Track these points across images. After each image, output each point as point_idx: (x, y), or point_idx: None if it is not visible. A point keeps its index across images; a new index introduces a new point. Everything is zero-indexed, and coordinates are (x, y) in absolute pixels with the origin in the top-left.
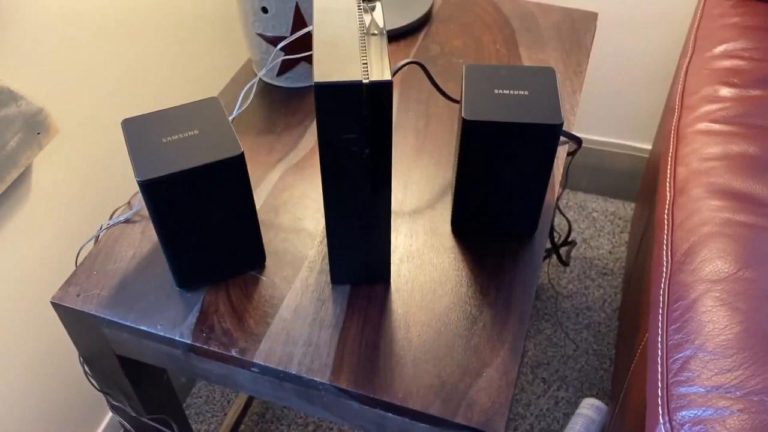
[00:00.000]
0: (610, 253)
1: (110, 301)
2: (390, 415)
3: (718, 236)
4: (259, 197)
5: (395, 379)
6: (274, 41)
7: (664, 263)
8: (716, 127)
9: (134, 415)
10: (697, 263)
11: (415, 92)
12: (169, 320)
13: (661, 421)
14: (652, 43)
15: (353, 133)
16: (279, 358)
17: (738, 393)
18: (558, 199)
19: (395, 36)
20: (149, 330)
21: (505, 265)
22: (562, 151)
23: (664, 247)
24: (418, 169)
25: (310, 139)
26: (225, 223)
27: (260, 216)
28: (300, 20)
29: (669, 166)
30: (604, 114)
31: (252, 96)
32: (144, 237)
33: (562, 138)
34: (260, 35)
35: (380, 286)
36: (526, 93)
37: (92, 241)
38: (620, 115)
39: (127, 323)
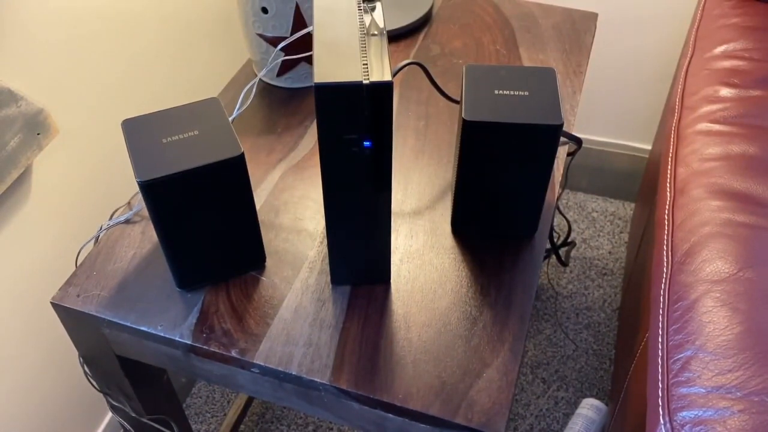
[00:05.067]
0: (610, 253)
1: (110, 302)
2: (390, 415)
3: (719, 236)
4: (260, 197)
5: (395, 379)
6: (274, 42)
7: (665, 263)
8: (716, 127)
9: (134, 415)
10: (698, 263)
11: (415, 93)
12: (169, 321)
13: (662, 421)
14: (652, 43)
15: (353, 134)
16: (279, 359)
17: (739, 393)
18: (558, 199)
19: (395, 36)
20: (149, 330)
21: (505, 265)
22: (562, 152)
23: (665, 248)
24: (418, 170)
25: (310, 139)
26: (225, 224)
27: (260, 216)
28: (300, 20)
29: (669, 167)
30: (604, 114)
31: (252, 96)
32: (144, 237)
33: (562, 138)
34: (260, 36)
35: (380, 286)
36: (526, 93)
37: (92, 242)
38: (620, 115)
39: (128, 324)
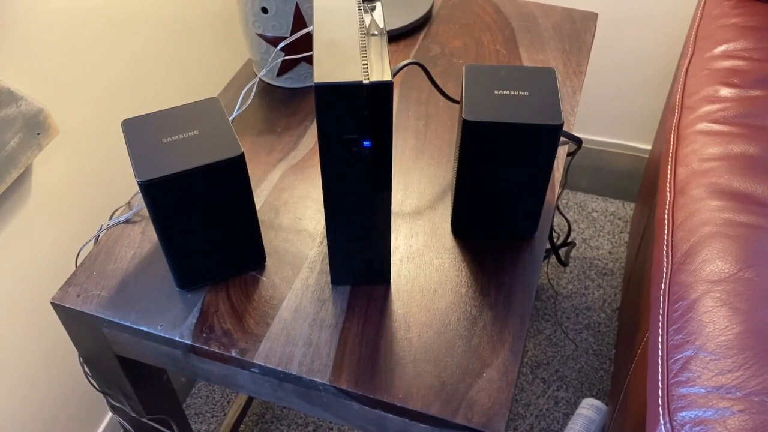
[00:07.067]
0: (610, 253)
1: (110, 302)
2: (390, 415)
3: (719, 236)
4: (260, 197)
5: (395, 379)
6: (274, 42)
7: (665, 263)
8: (716, 127)
9: (134, 415)
10: (698, 263)
11: (415, 93)
12: (169, 321)
13: (662, 421)
14: (652, 43)
15: (353, 134)
16: (279, 359)
17: (739, 393)
18: (558, 199)
19: (395, 36)
20: (149, 330)
21: (505, 265)
22: (562, 152)
23: (665, 248)
24: (418, 170)
25: (310, 139)
26: (225, 224)
27: (260, 216)
28: (300, 20)
29: (669, 167)
30: (604, 114)
31: (252, 96)
32: (144, 237)
33: (562, 138)
34: (260, 36)
35: (380, 286)
36: (526, 93)
37: (92, 242)
38: (620, 115)
39: (127, 324)
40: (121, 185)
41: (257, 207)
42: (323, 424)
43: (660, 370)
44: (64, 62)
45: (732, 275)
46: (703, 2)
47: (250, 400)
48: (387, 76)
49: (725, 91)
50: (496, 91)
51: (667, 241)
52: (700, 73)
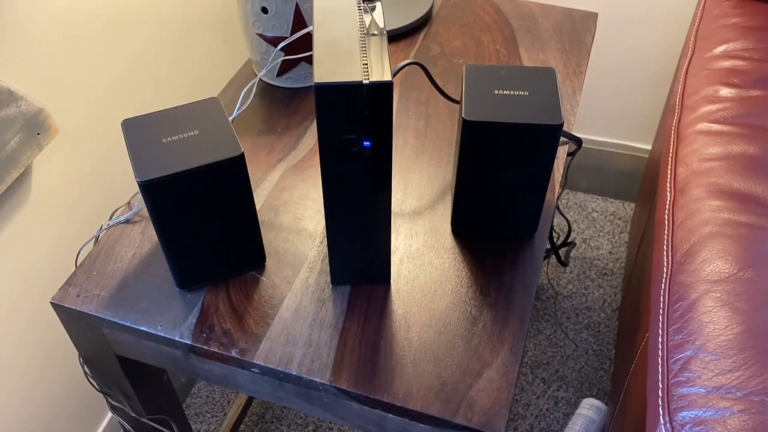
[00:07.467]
0: (610, 253)
1: (110, 302)
2: (390, 415)
3: (719, 236)
4: (260, 197)
5: (395, 379)
6: (274, 42)
7: (665, 263)
8: (716, 127)
9: (134, 415)
10: (698, 263)
11: (415, 93)
12: (169, 321)
13: (662, 421)
14: (652, 43)
15: (353, 134)
16: (279, 359)
17: (739, 393)
18: (558, 199)
19: (395, 36)
20: (149, 330)
21: (505, 265)
22: (562, 152)
23: (665, 248)
24: (418, 170)
25: (310, 139)
26: (225, 224)
27: (260, 216)
28: (300, 20)
29: (669, 167)
30: (604, 114)
31: (252, 96)
32: (144, 237)
33: (562, 138)
34: (260, 36)
35: (380, 286)
36: (526, 93)
37: (92, 242)
38: (620, 115)
39: (127, 324)
40: (121, 185)
41: (257, 207)
42: (323, 424)
43: (660, 370)
44: (64, 62)
45: (732, 275)
46: (703, 2)
47: (250, 400)
48: (387, 76)
49: (725, 91)
50: (496, 91)
51: (667, 241)
52: (700, 73)
